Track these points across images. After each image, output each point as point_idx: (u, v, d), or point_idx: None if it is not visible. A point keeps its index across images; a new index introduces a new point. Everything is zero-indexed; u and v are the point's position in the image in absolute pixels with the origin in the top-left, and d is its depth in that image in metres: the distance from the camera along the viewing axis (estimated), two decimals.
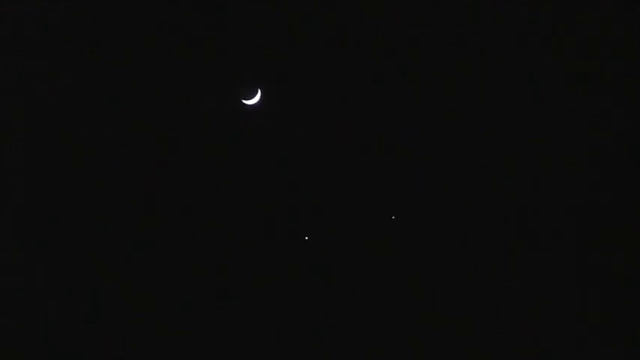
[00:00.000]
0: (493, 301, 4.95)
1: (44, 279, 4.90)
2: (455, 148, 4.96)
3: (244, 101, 4.88)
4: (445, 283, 4.99)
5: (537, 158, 4.94)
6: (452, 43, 4.80)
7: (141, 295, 4.97)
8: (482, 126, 4.94)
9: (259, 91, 4.85)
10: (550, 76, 4.85)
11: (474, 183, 4.97)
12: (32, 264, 4.89)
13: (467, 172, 4.97)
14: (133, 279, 4.98)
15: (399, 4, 4.73)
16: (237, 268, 5.05)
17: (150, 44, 4.73)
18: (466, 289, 4.97)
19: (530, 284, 4.92)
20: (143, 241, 4.99)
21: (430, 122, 4.94)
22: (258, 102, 4.87)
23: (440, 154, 4.97)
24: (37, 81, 4.78)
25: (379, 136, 4.96)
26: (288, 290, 5.05)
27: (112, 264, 4.97)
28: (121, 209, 4.98)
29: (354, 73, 4.85)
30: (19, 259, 4.87)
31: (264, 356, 5.00)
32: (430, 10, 4.74)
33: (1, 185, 4.83)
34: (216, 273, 5.05)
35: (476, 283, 4.96)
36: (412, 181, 5.01)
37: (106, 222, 4.97)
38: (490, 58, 4.85)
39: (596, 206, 4.87)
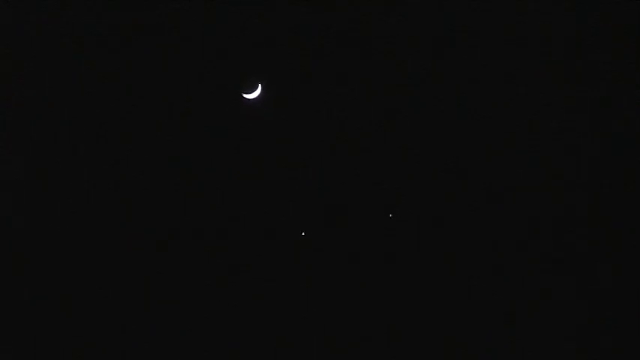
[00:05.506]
0: (490, 303, 4.93)
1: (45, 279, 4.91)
2: (454, 147, 4.96)
3: (245, 95, 4.89)
4: (441, 282, 4.97)
5: (537, 159, 4.94)
6: (451, 42, 4.82)
7: (139, 295, 4.95)
8: (480, 126, 4.94)
9: (260, 85, 4.86)
10: (550, 76, 4.87)
11: (471, 182, 4.96)
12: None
13: (465, 171, 4.96)
14: (131, 278, 4.95)
15: (399, 3, 4.76)
16: (233, 265, 5.02)
17: (149, 38, 4.76)
18: (463, 289, 4.95)
19: (528, 286, 4.90)
20: (140, 239, 4.97)
21: (430, 119, 4.95)
22: (259, 96, 4.87)
23: (439, 153, 4.97)
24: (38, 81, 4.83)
25: (379, 131, 4.96)
26: (286, 286, 5.02)
27: (111, 263, 4.95)
28: (118, 208, 4.97)
29: (355, 68, 4.87)
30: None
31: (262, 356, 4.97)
32: (430, 9, 4.78)
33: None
34: (214, 270, 5.01)
35: (472, 284, 4.94)
36: (411, 180, 5.00)
37: (103, 220, 4.96)
38: (488, 58, 4.87)
39: (596, 207, 4.87)
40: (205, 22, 4.74)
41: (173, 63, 4.81)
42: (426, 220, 5.01)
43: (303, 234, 4.99)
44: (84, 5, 4.74)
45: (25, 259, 4.87)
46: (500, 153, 4.93)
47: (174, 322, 4.96)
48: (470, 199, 4.97)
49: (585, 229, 4.85)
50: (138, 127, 4.92)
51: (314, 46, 4.81)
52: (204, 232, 5.01)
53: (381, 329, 4.96)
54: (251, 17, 4.72)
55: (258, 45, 4.78)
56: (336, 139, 4.98)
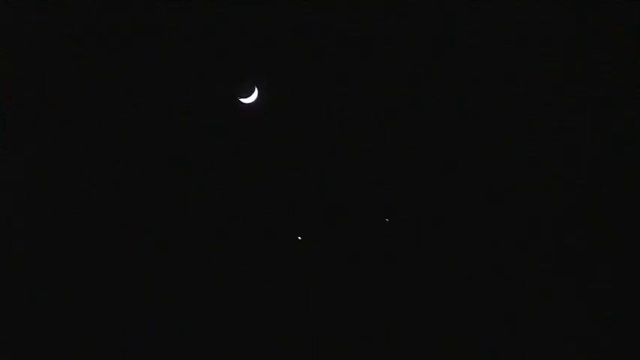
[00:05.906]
0: (490, 303, 4.93)
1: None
2: (454, 147, 4.96)
3: (241, 99, 4.89)
4: (441, 282, 4.97)
5: (537, 159, 4.93)
6: (451, 42, 4.82)
7: (139, 295, 4.95)
8: (480, 126, 4.94)
9: (256, 89, 4.86)
10: (550, 76, 4.86)
11: (471, 182, 4.96)
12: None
13: (465, 171, 4.97)
14: (131, 278, 4.95)
15: (399, 3, 4.76)
16: (233, 265, 5.03)
17: (146, 41, 4.76)
18: (463, 289, 4.95)
19: (528, 286, 4.90)
20: (140, 239, 4.97)
21: (430, 119, 4.95)
22: (256, 100, 4.88)
23: (439, 153, 4.97)
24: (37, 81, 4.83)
25: (379, 131, 4.96)
26: (285, 286, 5.02)
27: (111, 263, 4.95)
28: (118, 208, 4.97)
29: (355, 68, 4.86)
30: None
31: (262, 356, 4.97)
32: (430, 9, 4.78)
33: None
34: (213, 270, 5.02)
35: (472, 284, 4.94)
36: (411, 180, 5.00)
37: (103, 220, 4.96)
38: (488, 58, 4.87)
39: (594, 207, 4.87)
40: (205, 22, 4.74)
41: (172, 63, 4.81)
42: (426, 220, 5.01)
43: (299, 238, 5.00)
44: (84, 5, 4.73)
45: (25, 259, 4.87)
46: (500, 153, 4.93)
47: (175, 322, 4.97)
48: (470, 199, 4.97)
49: (585, 229, 4.85)
50: (137, 127, 4.92)
51: (314, 47, 4.81)
52: (204, 232, 5.02)
53: (381, 329, 4.97)
54: (250, 17, 4.73)
55: (258, 45, 4.78)
56: (335, 139, 4.99)
